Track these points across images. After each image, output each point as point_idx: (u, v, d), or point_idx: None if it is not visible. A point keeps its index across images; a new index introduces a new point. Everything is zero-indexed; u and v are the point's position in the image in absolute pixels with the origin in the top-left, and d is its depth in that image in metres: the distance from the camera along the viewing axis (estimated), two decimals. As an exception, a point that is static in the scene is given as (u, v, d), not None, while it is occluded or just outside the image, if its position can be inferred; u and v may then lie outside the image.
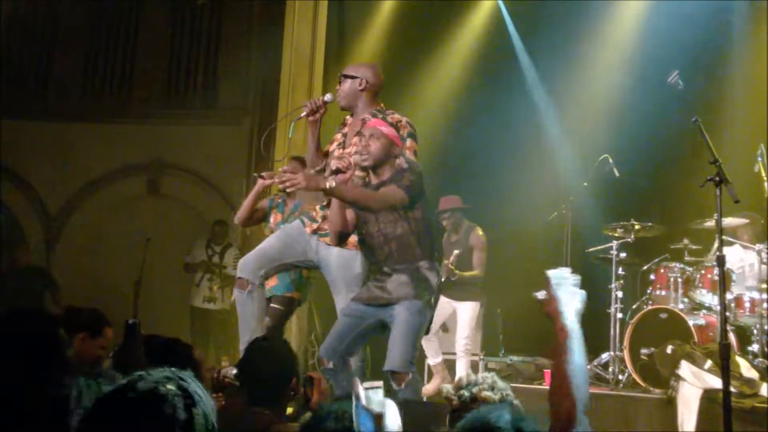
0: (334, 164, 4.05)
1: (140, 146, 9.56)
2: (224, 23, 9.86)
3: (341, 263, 4.25)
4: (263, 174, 5.60)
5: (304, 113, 4.40)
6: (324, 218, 4.35)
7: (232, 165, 8.87)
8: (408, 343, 3.88)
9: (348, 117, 4.50)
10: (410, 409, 3.40)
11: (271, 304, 5.53)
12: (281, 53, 8.15)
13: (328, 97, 4.42)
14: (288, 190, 4.57)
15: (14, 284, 8.02)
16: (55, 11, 9.83)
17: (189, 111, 9.75)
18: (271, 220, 5.71)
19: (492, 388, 2.39)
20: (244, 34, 9.58)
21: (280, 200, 5.79)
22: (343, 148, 4.38)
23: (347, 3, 8.91)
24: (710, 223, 6.25)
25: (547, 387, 6.28)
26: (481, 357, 7.12)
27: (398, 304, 3.91)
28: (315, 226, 4.38)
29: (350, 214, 4.13)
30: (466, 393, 2.42)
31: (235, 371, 4.34)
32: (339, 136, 4.47)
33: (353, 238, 4.27)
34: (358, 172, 4.18)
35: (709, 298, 6.21)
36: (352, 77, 4.40)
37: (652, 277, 6.62)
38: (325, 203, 4.36)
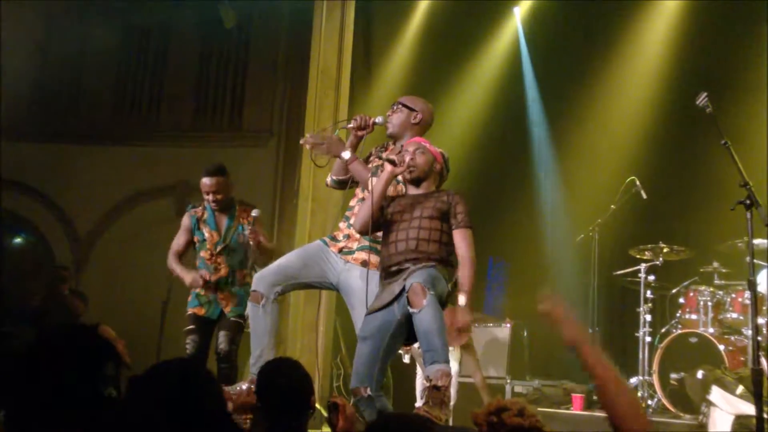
0: (392, 156, 4.10)
1: (167, 168, 9.65)
2: (251, 45, 9.95)
3: (363, 286, 4.21)
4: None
5: (352, 125, 4.41)
6: (347, 237, 4.35)
7: (258, 187, 8.90)
8: (426, 275, 3.79)
9: (390, 143, 4.50)
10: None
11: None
12: (307, 75, 8.21)
13: (379, 119, 4.42)
14: (311, 148, 4.51)
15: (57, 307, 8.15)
16: (86, 35, 9.97)
17: (216, 133, 9.83)
18: (207, 239, 5.46)
19: (521, 414, 2.36)
20: (270, 56, 9.66)
21: (205, 214, 5.52)
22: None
23: (374, 25, 8.97)
24: (741, 245, 6.18)
25: (576, 411, 6.20)
26: (508, 381, 7.07)
27: (409, 279, 3.83)
28: (340, 245, 4.37)
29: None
30: (495, 419, 2.39)
31: (245, 386, 4.34)
32: (377, 160, 4.47)
33: (376, 259, 4.25)
34: (399, 186, 4.23)
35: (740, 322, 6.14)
36: (410, 108, 4.41)
37: (681, 300, 6.55)
38: (351, 221, 4.36)
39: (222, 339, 5.30)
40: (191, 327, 5.40)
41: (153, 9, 9.64)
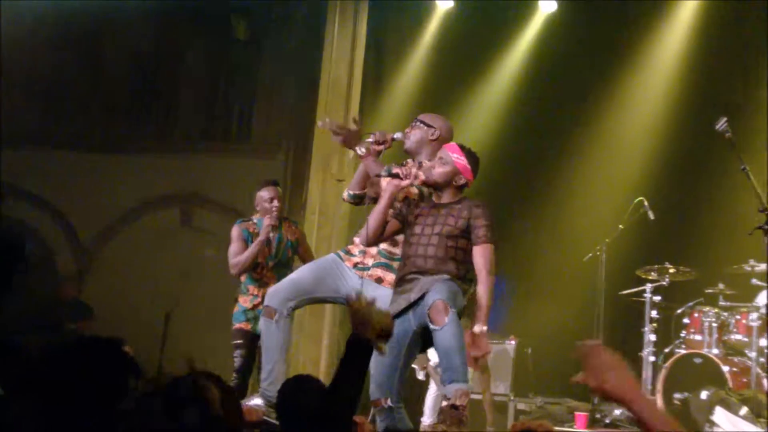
0: (395, 170, 4.08)
1: (175, 178, 9.67)
2: (262, 57, 9.98)
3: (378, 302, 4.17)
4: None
5: (371, 140, 4.43)
6: (363, 252, 4.33)
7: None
8: (447, 290, 3.72)
9: (409, 160, 4.51)
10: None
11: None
12: (317, 88, 8.22)
13: (398, 135, 4.44)
14: (337, 141, 4.48)
15: (60, 316, 8.17)
16: (99, 45, 10.03)
17: (224, 144, 9.86)
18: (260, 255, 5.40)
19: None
20: (281, 68, 9.69)
21: (256, 229, 5.41)
22: None
23: (385, 39, 8.99)
24: (747, 268, 6.19)
25: (579, 430, 6.17)
26: (511, 398, 7.05)
27: (429, 291, 3.77)
28: (355, 260, 4.36)
29: (393, 225, 4.11)
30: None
31: (255, 401, 4.30)
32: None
33: (391, 277, 4.21)
34: (413, 190, 4.22)
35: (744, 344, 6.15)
36: (428, 125, 4.42)
37: (685, 320, 6.55)
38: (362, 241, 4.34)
39: None
40: (239, 342, 5.35)
41: (165, 20, 9.69)
